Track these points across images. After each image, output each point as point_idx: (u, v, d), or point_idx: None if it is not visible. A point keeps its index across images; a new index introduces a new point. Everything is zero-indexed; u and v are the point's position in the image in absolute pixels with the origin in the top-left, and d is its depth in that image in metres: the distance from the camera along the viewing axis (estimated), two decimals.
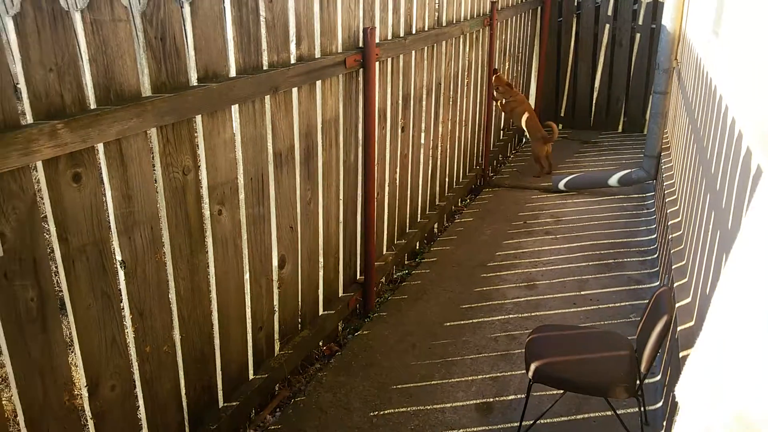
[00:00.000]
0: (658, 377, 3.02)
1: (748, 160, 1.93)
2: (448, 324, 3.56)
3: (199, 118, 2.20)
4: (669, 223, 3.61)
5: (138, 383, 2.13)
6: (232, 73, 2.35)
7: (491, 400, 2.93)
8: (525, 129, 5.93)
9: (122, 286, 2.02)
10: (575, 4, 7.22)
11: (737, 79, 2.40)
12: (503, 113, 6.16)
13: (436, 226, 4.76)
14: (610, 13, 7.08)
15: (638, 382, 2.31)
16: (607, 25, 7.14)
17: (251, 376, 2.74)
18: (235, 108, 2.37)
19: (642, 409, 2.57)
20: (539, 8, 7.05)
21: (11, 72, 1.60)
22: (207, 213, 2.32)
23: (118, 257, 1.99)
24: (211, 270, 2.39)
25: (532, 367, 2.38)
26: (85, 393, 1.93)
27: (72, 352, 1.91)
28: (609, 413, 2.78)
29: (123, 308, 2.04)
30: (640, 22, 6.98)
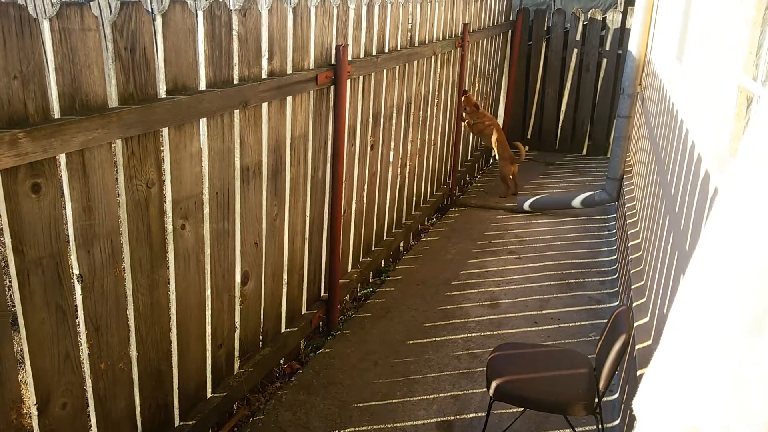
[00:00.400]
0: (616, 395, 3.07)
1: (707, 183, 1.99)
2: (411, 342, 3.55)
3: (165, 131, 2.17)
4: (629, 244, 3.69)
5: (91, 401, 2.07)
6: (202, 86, 2.32)
7: (452, 418, 2.93)
8: (494, 149, 6.01)
9: (79, 300, 1.96)
10: (545, 28, 7.36)
11: (698, 104, 2.47)
12: (471, 133, 6.23)
13: (402, 244, 4.76)
14: (578, 38, 7.24)
15: (597, 399, 2.34)
16: (576, 50, 7.29)
17: (209, 395, 2.69)
18: (203, 121, 2.34)
19: (600, 426, 2.60)
20: (510, 32, 7.17)
21: None
22: (170, 227, 2.28)
23: (76, 271, 1.93)
24: (172, 285, 2.34)
25: (493, 385, 2.40)
26: (34, 411, 1.86)
27: (22, 368, 1.84)
28: (568, 431, 2.81)
29: (78, 323, 1.98)
30: (608, 48, 7.16)
